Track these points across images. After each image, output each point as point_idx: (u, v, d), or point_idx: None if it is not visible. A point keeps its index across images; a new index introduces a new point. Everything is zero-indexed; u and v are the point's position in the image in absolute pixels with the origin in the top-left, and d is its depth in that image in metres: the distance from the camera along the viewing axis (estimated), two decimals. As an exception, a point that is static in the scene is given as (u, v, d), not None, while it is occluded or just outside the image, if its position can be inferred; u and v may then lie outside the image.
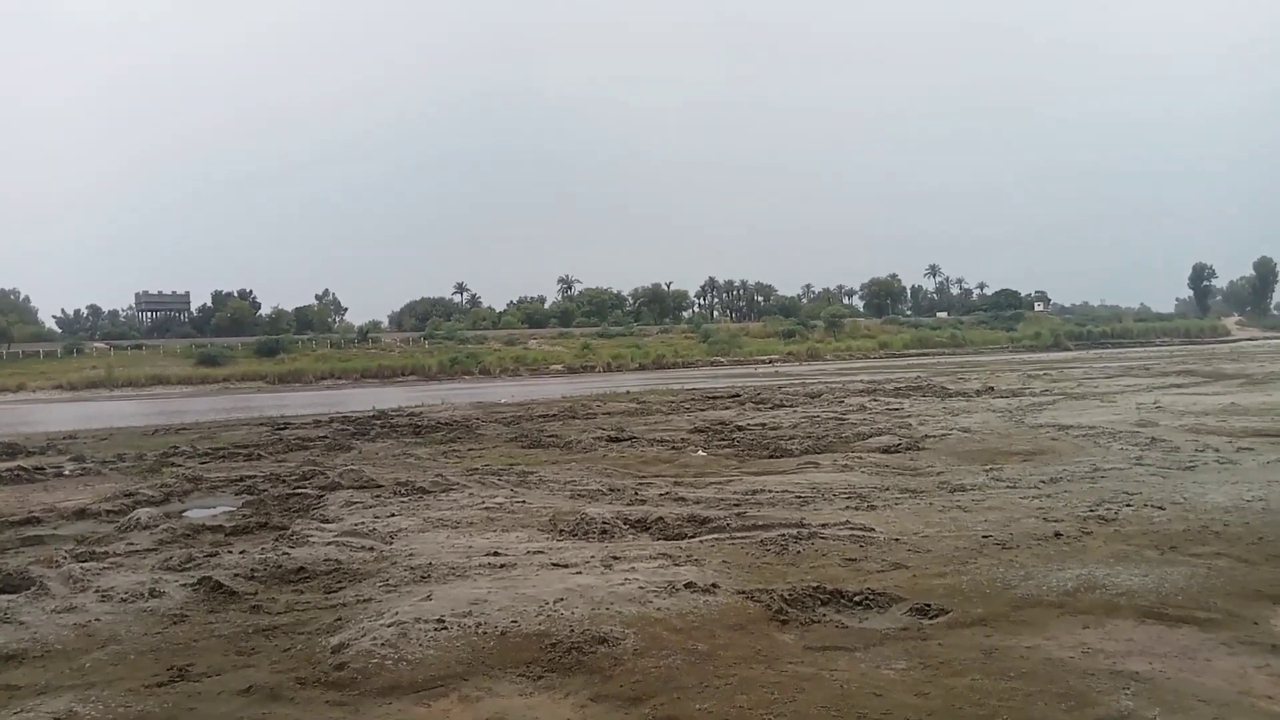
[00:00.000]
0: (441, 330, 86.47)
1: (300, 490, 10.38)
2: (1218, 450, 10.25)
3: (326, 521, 8.38)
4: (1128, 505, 7.29)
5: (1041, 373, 32.17)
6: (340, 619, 5.12)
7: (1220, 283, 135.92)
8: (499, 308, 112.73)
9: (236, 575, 6.24)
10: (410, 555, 6.67)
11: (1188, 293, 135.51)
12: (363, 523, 8.12)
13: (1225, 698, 3.52)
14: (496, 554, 6.51)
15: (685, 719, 3.56)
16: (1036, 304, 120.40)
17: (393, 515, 8.49)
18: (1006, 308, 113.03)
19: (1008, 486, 8.72)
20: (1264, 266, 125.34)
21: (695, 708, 3.63)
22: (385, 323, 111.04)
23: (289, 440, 16.90)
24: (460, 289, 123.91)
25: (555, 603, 5.06)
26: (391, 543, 7.23)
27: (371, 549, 6.97)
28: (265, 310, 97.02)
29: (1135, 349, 74.09)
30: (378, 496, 9.70)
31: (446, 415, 21.87)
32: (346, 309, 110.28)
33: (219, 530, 8.17)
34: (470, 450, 14.41)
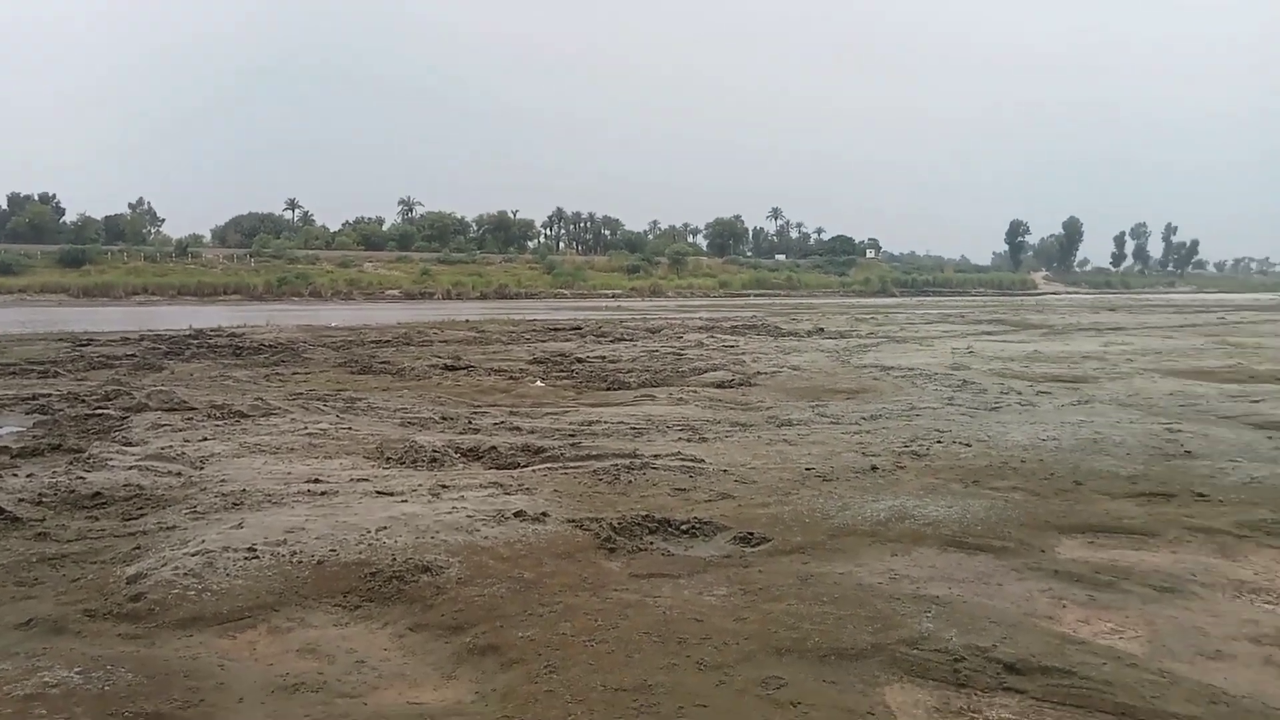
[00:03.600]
0: (270, 248, 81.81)
1: (101, 411, 9.62)
2: (1020, 393, 11.06)
3: (130, 445, 7.80)
4: (938, 442, 7.74)
5: (869, 316, 33.82)
6: (139, 547, 4.77)
7: (1033, 239, 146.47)
8: (334, 227, 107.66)
9: (21, 500, 5.70)
10: (222, 481, 6.29)
11: (1004, 247, 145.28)
12: (170, 446, 7.59)
13: (1013, 619, 3.80)
14: (317, 481, 6.24)
15: (507, 647, 3.52)
16: (869, 251, 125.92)
17: (205, 439, 7.99)
18: (841, 253, 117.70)
19: (831, 422, 9.10)
20: (1071, 226, 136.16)
21: (518, 635, 3.60)
22: (208, 237, 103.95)
23: (91, 358, 15.63)
24: (292, 205, 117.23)
25: (378, 531, 4.89)
26: (202, 468, 6.80)
27: (179, 474, 6.53)
28: (70, 217, 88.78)
29: (955, 298, 79.02)
30: (189, 420, 9.11)
31: (271, 337, 20.80)
32: (164, 220, 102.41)
33: (4, 451, 7.45)
34: (295, 374, 13.75)
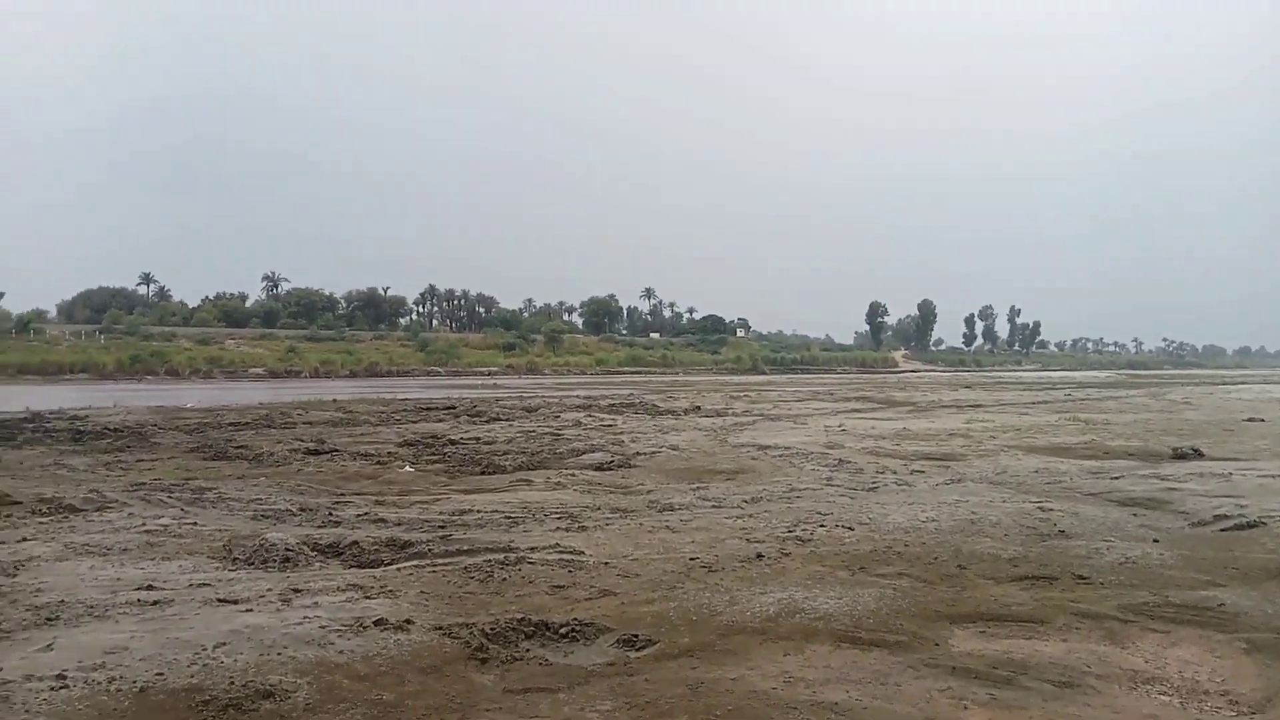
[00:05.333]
0: (122, 324, 77.40)
1: (-98, 508, 8.47)
2: (895, 473, 11.15)
3: (-70, 549, 6.82)
4: (821, 526, 7.60)
5: (742, 393, 34.24)
6: (-79, 679, 4.02)
7: (891, 320, 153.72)
8: (193, 303, 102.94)
9: None
10: (37, 591, 5.51)
11: (865, 327, 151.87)
12: (-20, 550, 6.67)
13: (916, 726, 3.56)
14: (150, 588, 5.54)
15: (360, 790, 3.03)
16: (739, 330, 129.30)
17: (24, 540, 7.09)
18: (713, 332, 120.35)
19: (713, 506, 8.87)
20: (925, 308, 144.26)
21: (373, 775, 3.12)
22: (53, 313, 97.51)
23: (-99, 445, 14.01)
24: (146, 280, 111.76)
25: (215, 648, 4.30)
26: (15, 575, 5.96)
27: (-15, 584, 5.69)
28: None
29: (821, 375, 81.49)
30: (8, 516, 8.11)
31: (118, 420, 19.29)
32: (2, 294, 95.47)
33: None
34: (139, 461, 12.65)
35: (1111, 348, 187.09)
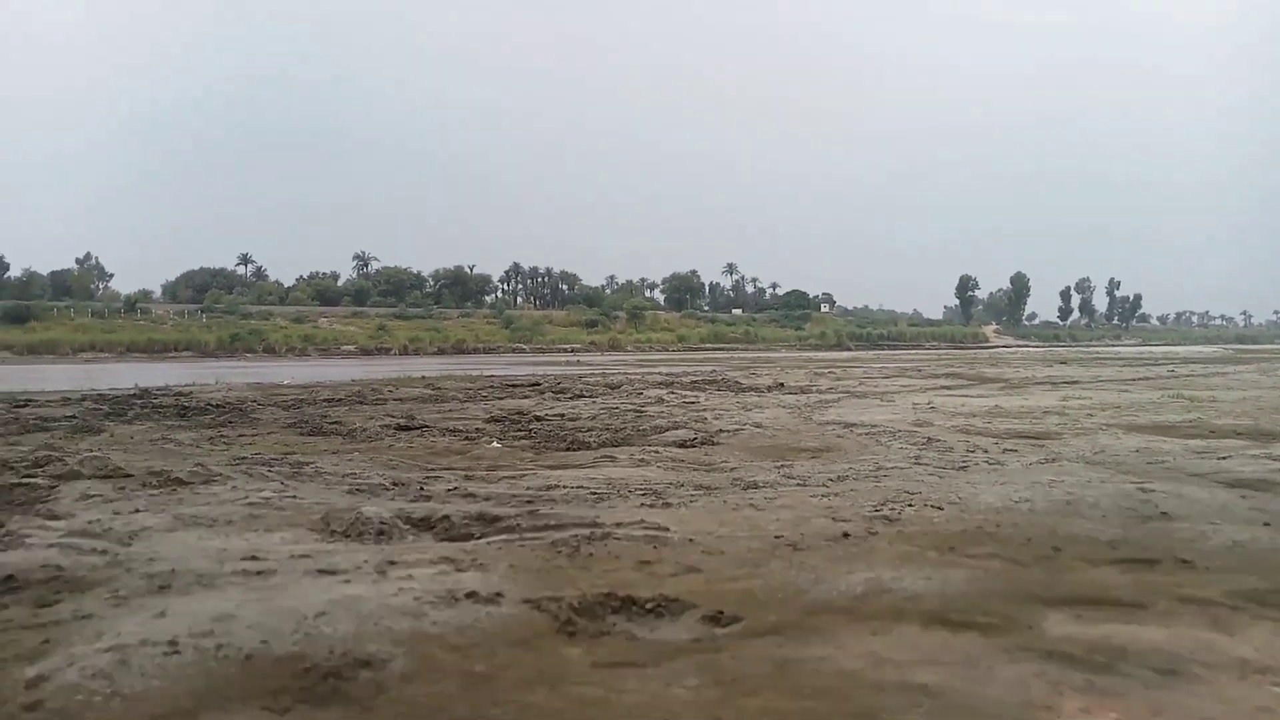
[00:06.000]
0: (222, 304, 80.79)
1: (28, 479, 8.99)
2: (986, 451, 10.89)
3: (54, 518, 7.23)
4: (910, 505, 7.48)
5: (827, 370, 33.83)
6: (48, 640, 4.29)
7: (981, 294, 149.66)
8: (288, 283, 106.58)
9: (-79, 586, 5.18)
10: (151, 560, 5.80)
11: (954, 302, 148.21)
12: (99, 520, 7.06)
13: (1011, 711, 3.49)
14: (254, 558, 5.79)
15: (455, 757, 3.13)
16: (823, 305, 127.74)
17: (137, 511, 7.46)
18: (796, 308, 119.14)
19: (798, 484, 8.81)
20: (1019, 281, 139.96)
21: (467, 743, 3.21)
22: (158, 293, 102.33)
23: (26, 420, 14.89)
24: (245, 260, 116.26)
25: (316, 618, 4.47)
26: (130, 544, 6.29)
27: (104, 552, 6.02)
28: (15, 272, 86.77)
29: (908, 351, 79.94)
30: (122, 489, 8.55)
31: (219, 396, 20.15)
32: (112, 276, 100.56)
33: (-88, 529, 6.87)
34: (241, 436, 13.19)
35: (1219, 321, 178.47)
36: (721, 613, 4.76)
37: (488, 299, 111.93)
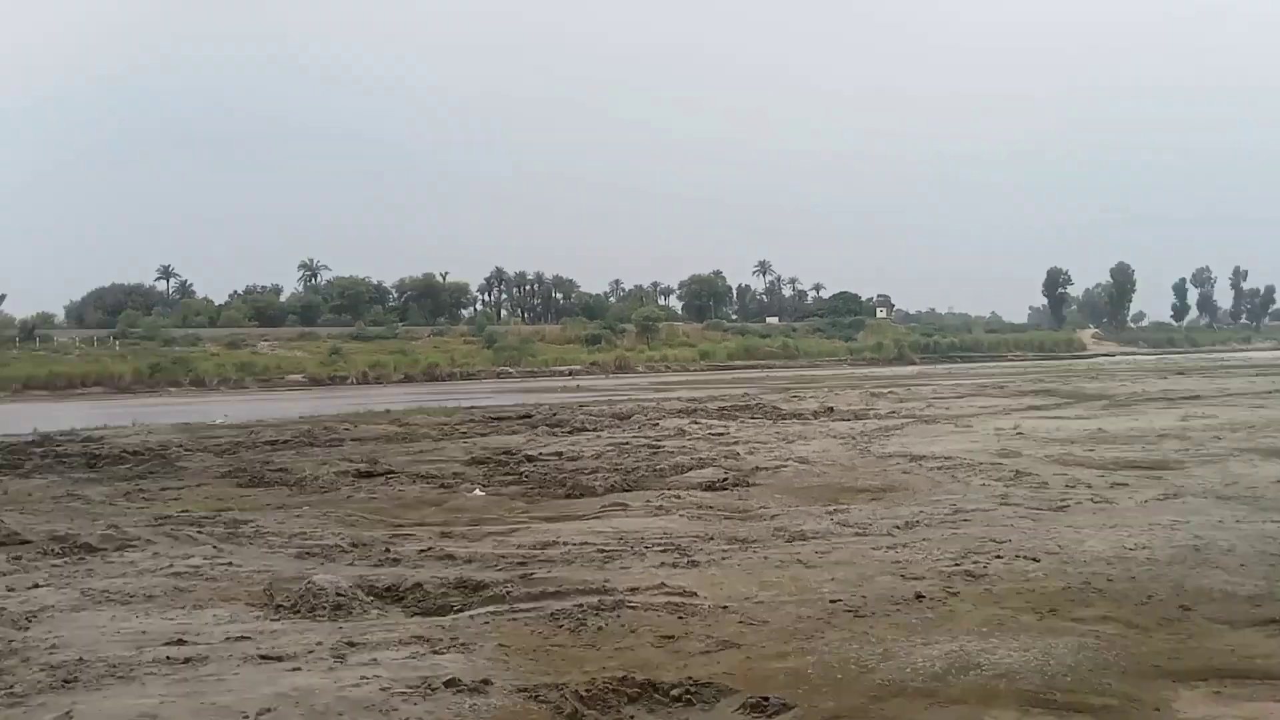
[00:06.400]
0: (139, 327, 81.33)
1: (-98, 551, 9.05)
2: (1090, 486, 10.83)
3: (-67, 598, 7.25)
4: (998, 556, 7.43)
5: (887, 390, 33.81)
6: (-77, 757, 4.26)
7: (1076, 290, 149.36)
8: (220, 299, 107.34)
9: None
10: (53, 648, 5.79)
11: (1042, 301, 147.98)
12: (-12, 599, 7.06)
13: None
14: (181, 642, 5.77)
15: None
16: (879, 310, 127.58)
17: (36, 586, 7.49)
18: (846, 313, 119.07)
19: (856, 533, 8.77)
20: (1121, 274, 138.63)
21: None
22: (61, 317, 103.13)
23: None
24: (166, 274, 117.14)
25: (259, 715, 4.44)
26: (28, 627, 6.29)
27: (-4, 638, 6.02)
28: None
29: (987, 363, 79.91)
30: (17, 559, 8.57)
31: (138, 441, 20.25)
32: (3, 296, 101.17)
33: None
34: (164, 490, 13.26)
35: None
36: (766, 700, 4.70)
37: (465, 313, 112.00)
